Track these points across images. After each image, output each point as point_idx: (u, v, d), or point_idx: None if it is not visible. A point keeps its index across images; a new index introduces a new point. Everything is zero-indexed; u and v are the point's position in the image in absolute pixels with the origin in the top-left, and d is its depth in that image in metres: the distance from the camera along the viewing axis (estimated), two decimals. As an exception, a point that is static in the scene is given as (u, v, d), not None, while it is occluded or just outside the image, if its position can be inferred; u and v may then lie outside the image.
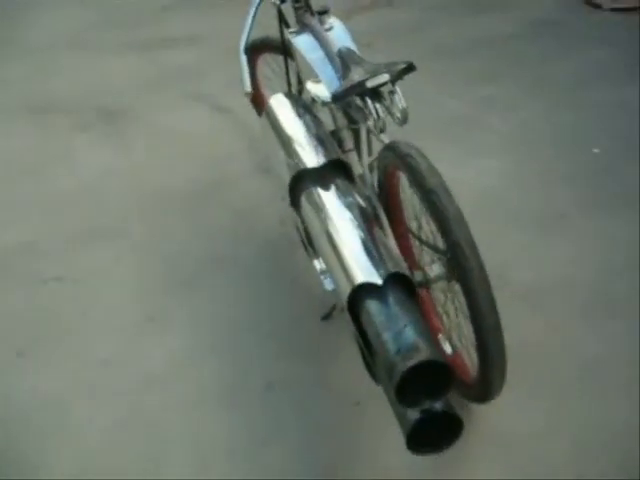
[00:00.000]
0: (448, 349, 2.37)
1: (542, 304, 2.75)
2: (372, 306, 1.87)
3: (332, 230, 2.11)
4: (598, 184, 3.43)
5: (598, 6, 5.85)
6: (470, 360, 2.19)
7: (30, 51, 6.10)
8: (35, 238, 3.42)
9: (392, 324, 1.79)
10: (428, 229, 2.20)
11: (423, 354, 1.69)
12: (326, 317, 2.72)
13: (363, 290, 1.90)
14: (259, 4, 2.76)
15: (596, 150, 3.72)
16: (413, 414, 1.75)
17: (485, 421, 2.28)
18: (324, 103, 2.61)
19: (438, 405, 1.75)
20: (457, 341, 2.33)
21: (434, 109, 4.29)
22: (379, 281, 1.87)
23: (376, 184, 2.42)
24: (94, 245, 3.33)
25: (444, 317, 2.39)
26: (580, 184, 3.45)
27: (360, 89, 2.16)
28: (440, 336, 2.40)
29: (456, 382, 2.18)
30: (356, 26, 5.35)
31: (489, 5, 6.20)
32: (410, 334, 1.75)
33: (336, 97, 2.26)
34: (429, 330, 1.83)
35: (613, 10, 5.76)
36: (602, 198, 3.33)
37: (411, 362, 1.66)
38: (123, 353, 2.71)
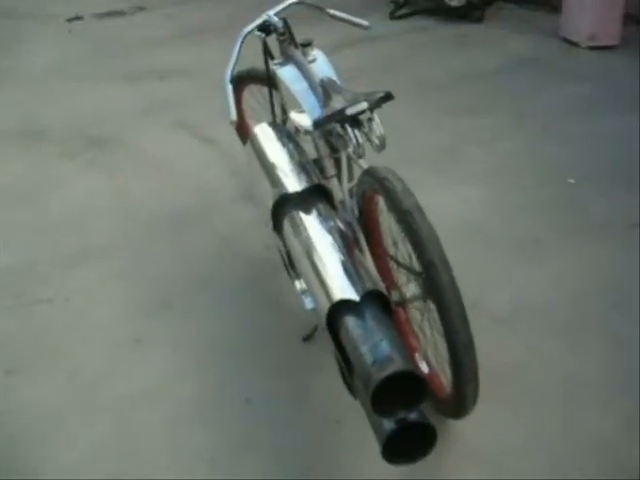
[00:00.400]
0: (425, 368, 2.44)
1: (520, 326, 2.84)
2: (350, 322, 1.95)
3: (312, 251, 2.21)
4: (572, 212, 3.55)
5: (576, 44, 6.04)
6: (445, 377, 2.26)
7: (22, 80, 6.23)
8: (25, 261, 3.50)
9: (368, 338, 1.87)
10: (405, 251, 2.29)
11: (397, 365, 1.77)
12: (307, 338, 2.79)
13: (341, 307, 1.99)
14: (245, 37, 2.86)
15: (571, 180, 3.84)
16: (388, 424, 1.83)
17: (462, 438, 2.35)
18: (307, 132, 2.71)
19: (413, 415, 1.83)
20: (433, 360, 2.41)
21: (419, 140, 4.44)
22: (356, 298, 1.96)
23: (356, 209, 2.51)
24: (83, 267, 3.41)
25: (421, 336, 2.47)
26: (556, 212, 3.56)
27: (340, 116, 2.27)
28: (417, 355, 2.48)
29: (432, 399, 2.29)
30: (344, 60, 5.52)
31: (472, 42, 6.41)
32: (385, 347, 1.84)
33: (317, 124, 2.36)
34: (404, 344, 1.92)
35: (590, 48, 5.94)
36: (576, 225, 3.44)
37: (386, 372, 1.75)
38: (110, 371, 2.78)
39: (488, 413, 2.37)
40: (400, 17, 7.32)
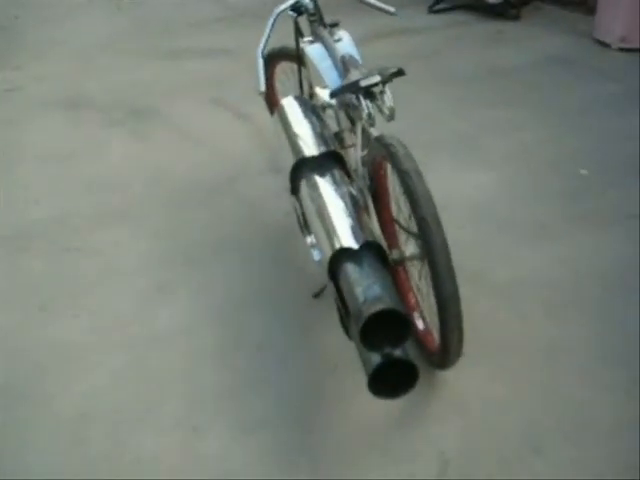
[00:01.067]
0: (420, 324, 2.66)
1: (516, 298, 3.02)
2: (348, 267, 2.19)
3: (322, 209, 2.44)
4: (580, 201, 3.71)
5: (607, 45, 6.17)
6: (437, 333, 2.46)
7: (70, 53, 6.55)
8: (61, 214, 3.80)
9: (363, 281, 2.10)
10: (407, 214, 2.49)
11: (385, 303, 2.00)
12: (317, 295, 3.01)
13: (342, 255, 2.21)
14: (278, 15, 3.08)
15: (583, 171, 4.00)
16: (375, 358, 2.05)
17: (449, 390, 2.56)
18: (329, 105, 2.94)
19: (398, 352, 2.05)
20: (428, 317, 2.62)
21: (442, 128, 4.63)
22: (355, 246, 2.18)
23: (367, 176, 2.72)
24: (114, 224, 3.69)
25: (418, 295, 2.68)
26: (565, 200, 3.72)
27: (354, 88, 2.49)
28: (415, 313, 2.69)
29: (425, 352, 2.50)
30: (378, 49, 5.78)
31: (506, 39, 6.54)
32: (377, 289, 2.06)
33: (334, 93, 2.59)
34: (394, 288, 2.14)
35: (621, 49, 6.06)
36: (582, 213, 3.60)
37: (374, 309, 1.97)
38: (133, 313, 3.04)
39: (475, 370, 2.60)
40: (438, 11, 7.48)
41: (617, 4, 6.04)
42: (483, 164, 4.14)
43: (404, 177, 2.26)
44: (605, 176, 3.94)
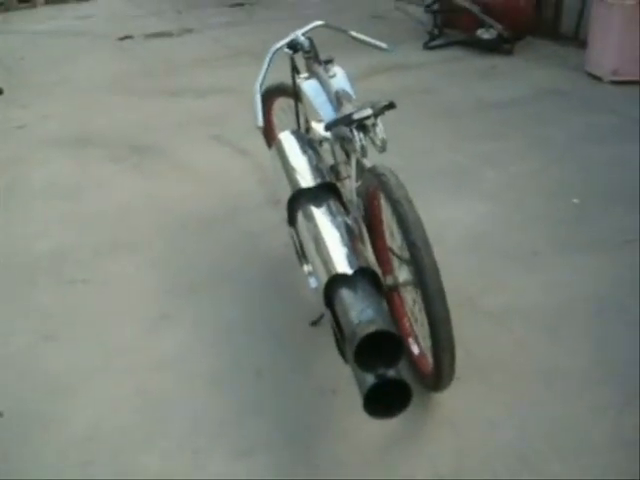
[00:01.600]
0: (415, 349, 2.74)
1: (510, 322, 3.10)
2: (343, 292, 2.28)
3: (318, 238, 2.54)
4: (572, 229, 3.81)
5: (599, 78, 6.33)
6: (430, 356, 2.54)
7: (75, 92, 6.72)
8: (66, 247, 3.91)
9: (357, 304, 2.20)
10: (400, 242, 2.58)
11: (378, 325, 2.09)
12: (315, 323, 3.09)
13: (337, 281, 2.30)
14: (275, 53, 3.21)
15: (575, 200, 4.10)
16: (369, 379, 2.13)
17: (443, 410, 2.63)
18: (324, 138, 3.05)
19: (391, 372, 2.13)
20: (422, 342, 2.70)
21: (437, 161, 4.77)
22: (349, 272, 2.27)
23: (361, 206, 2.82)
24: (118, 256, 3.80)
25: (413, 321, 2.77)
26: (557, 228, 3.82)
27: (347, 120, 2.60)
28: (409, 339, 2.77)
29: (419, 376, 2.58)
30: (375, 85, 5.94)
31: (499, 73, 6.73)
32: (370, 312, 2.15)
33: (328, 126, 2.70)
34: (387, 312, 2.24)
35: (612, 82, 6.21)
36: (575, 240, 3.70)
37: (368, 330, 2.06)
38: (137, 341, 3.12)
39: (469, 392, 2.67)
40: (433, 48, 7.67)
41: (607, 38, 6.22)
42: (477, 194, 4.25)
43: (395, 205, 2.37)
44: (597, 204, 4.05)
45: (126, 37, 8.90)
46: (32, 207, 4.43)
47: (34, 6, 11.82)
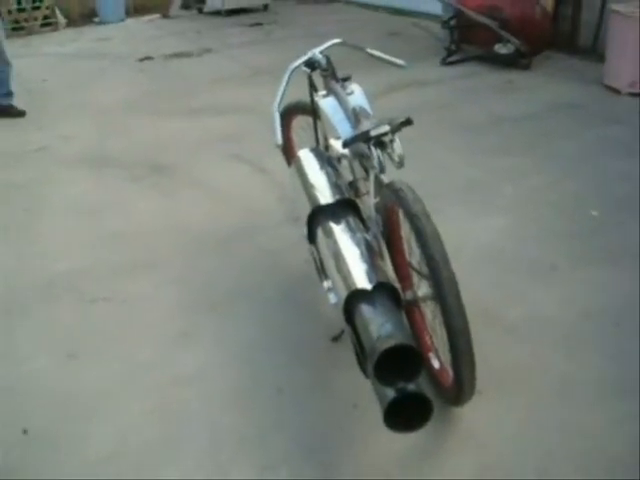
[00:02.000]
0: (436, 364, 2.74)
1: (528, 337, 3.10)
2: (362, 307, 2.30)
3: (338, 254, 2.56)
4: (590, 242, 3.80)
5: (617, 91, 6.32)
6: (451, 370, 2.55)
7: (95, 113, 6.80)
8: (87, 267, 3.94)
9: (376, 319, 2.22)
10: (420, 258, 2.59)
11: (397, 339, 2.10)
12: (335, 339, 3.10)
13: (357, 296, 2.32)
14: (293, 71, 3.24)
15: (594, 213, 4.10)
16: (390, 393, 2.14)
17: (463, 424, 2.63)
18: (343, 155, 3.08)
19: (411, 386, 2.14)
20: (443, 357, 2.71)
21: (453, 176, 4.77)
22: (369, 287, 2.29)
23: (380, 222, 2.84)
24: (138, 274, 3.82)
25: (433, 336, 2.77)
26: (574, 242, 3.82)
27: (365, 137, 2.63)
28: (430, 353, 2.78)
29: (440, 390, 2.59)
30: (393, 102, 5.97)
31: (516, 88, 6.74)
32: (389, 326, 2.17)
33: (346, 143, 2.73)
34: (406, 326, 2.25)
35: (631, 94, 6.21)
36: (591, 254, 3.69)
37: (387, 344, 2.08)
38: (159, 358, 3.15)
39: (489, 405, 2.68)
40: (451, 63, 7.69)
41: (625, 51, 6.22)
42: (495, 209, 4.26)
43: (413, 219, 2.38)
44: (614, 216, 4.05)
45: (146, 58, 8.99)
46: (52, 227, 4.47)
47: (56, 29, 11.97)
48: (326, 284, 2.73)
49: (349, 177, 3.16)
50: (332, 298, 2.62)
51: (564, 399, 2.73)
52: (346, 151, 2.99)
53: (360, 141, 2.69)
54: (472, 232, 3.95)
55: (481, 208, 4.28)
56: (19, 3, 11.58)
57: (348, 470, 2.49)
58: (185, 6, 13.23)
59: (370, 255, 2.53)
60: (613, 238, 3.82)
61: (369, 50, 3.34)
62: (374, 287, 2.31)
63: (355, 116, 2.89)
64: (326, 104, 3.19)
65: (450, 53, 7.81)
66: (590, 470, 2.40)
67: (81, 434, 2.74)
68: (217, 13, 12.21)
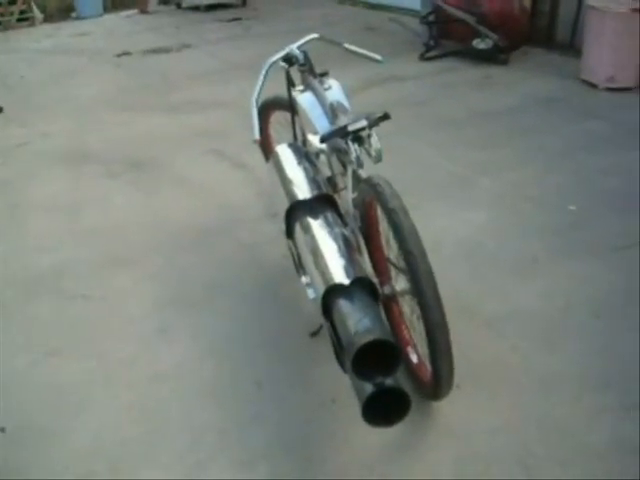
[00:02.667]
0: (414, 358, 2.75)
1: (508, 329, 3.11)
2: (340, 302, 2.30)
3: (316, 250, 2.56)
4: (570, 236, 3.82)
5: (594, 85, 6.35)
6: (429, 364, 2.55)
7: (73, 109, 6.75)
8: (66, 263, 3.92)
9: (354, 314, 2.22)
10: (397, 253, 2.60)
11: (375, 334, 2.11)
12: (314, 334, 3.10)
13: (335, 292, 2.32)
14: (270, 66, 3.23)
15: (572, 207, 4.12)
16: (368, 387, 2.14)
17: (442, 418, 2.64)
18: (321, 150, 3.07)
19: (389, 381, 2.14)
20: (420, 351, 2.71)
21: (432, 170, 4.78)
22: (346, 282, 2.29)
23: (358, 217, 2.84)
24: (117, 271, 3.81)
25: (411, 330, 2.78)
26: (554, 236, 3.84)
27: (342, 132, 2.63)
28: (408, 348, 2.78)
29: (418, 384, 2.59)
30: (372, 97, 5.97)
31: (495, 83, 6.76)
32: (367, 321, 2.17)
33: (323, 138, 2.72)
34: (384, 321, 2.26)
35: (608, 89, 6.24)
36: (570, 247, 3.72)
37: (365, 339, 2.08)
38: (137, 354, 3.14)
39: (468, 400, 2.69)
40: (429, 59, 7.70)
41: (602, 46, 6.26)
42: (473, 203, 4.27)
43: (390, 214, 2.39)
44: (592, 211, 4.07)
45: (124, 53, 8.94)
46: (32, 223, 4.45)
47: (32, 24, 11.89)
48: (304, 279, 2.73)
49: (327, 172, 3.16)
50: (310, 293, 2.63)
51: (544, 393, 2.75)
52: (324, 146, 2.99)
53: (338, 136, 2.69)
54: (451, 227, 3.96)
55: (460, 203, 4.30)
56: (-6, -2, 11.48)
57: (328, 465, 2.50)
58: (163, 1, 13.18)
59: (348, 250, 2.53)
60: (593, 232, 3.84)
61: (346, 45, 3.33)
62: (352, 282, 2.31)
63: (333, 111, 2.89)
64: (304, 99, 3.18)
65: (428, 48, 7.83)
66: (569, 464, 2.42)
67: (60, 431, 2.72)
68: (196, 8, 12.16)
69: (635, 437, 2.48)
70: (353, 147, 2.63)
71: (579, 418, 2.62)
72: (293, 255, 2.91)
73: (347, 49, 3.34)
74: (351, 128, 2.61)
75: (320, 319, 2.48)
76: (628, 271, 3.44)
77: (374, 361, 2.14)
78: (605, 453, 2.45)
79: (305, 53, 3.28)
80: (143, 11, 12.65)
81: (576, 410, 2.66)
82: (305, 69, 3.28)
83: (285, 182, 2.95)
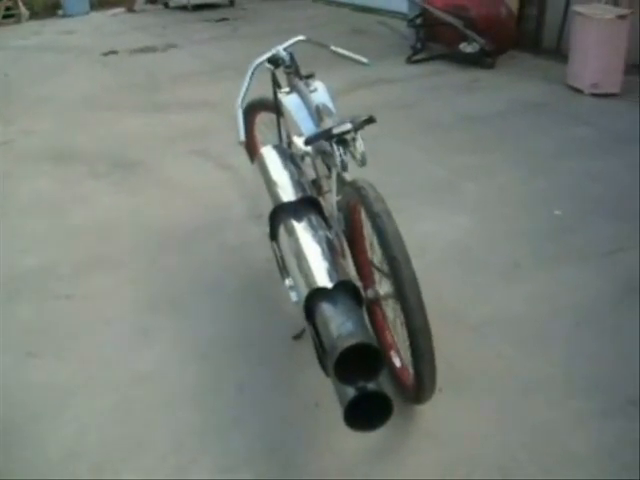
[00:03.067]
0: (397, 362, 2.74)
1: (492, 335, 3.11)
2: (323, 306, 2.29)
3: (299, 252, 2.54)
4: (554, 241, 3.83)
5: (580, 91, 6.38)
6: (412, 368, 2.55)
7: (58, 108, 6.71)
8: (49, 263, 3.90)
9: (337, 318, 2.20)
10: (381, 257, 2.59)
11: (357, 338, 2.09)
12: (297, 337, 3.09)
13: (318, 295, 2.31)
14: (256, 68, 3.22)
15: (557, 212, 4.13)
16: (350, 392, 2.13)
17: (425, 423, 2.63)
18: (305, 153, 3.06)
19: (371, 385, 2.13)
20: (404, 355, 2.71)
21: (419, 174, 4.78)
22: (329, 285, 2.28)
23: (342, 220, 2.83)
24: (100, 271, 3.79)
25: (394, 334, 2.77)
26: (539, 240, 3.84)
27: (327, 135, 2.62)
28: (391, 352, 2.78)
29: (401, 389, 2.59)
30: (359, 99, 5.98)
31: (481, 87, 6.77)
32: (350, 325, 2.16)
33: (308, 140, 2.71)
34: (366, 325, 2.24)
35: (593, 95, 6.27)
36: (555, 252, 3.72)
37: (347, 343, 2.07)
38: (119, 356, 3.12)
39: (450, 404, 2.69)
40: (416, 62, 7.72)
41: (587, 52, 6.28)
42: (459, 207, 4.27)
43: (374, 218, 2.38)
44: (577, 216, 4.08)
45: (110, 52, 8.92)
46: (15, 223, 4.42)
47: (18, 21, 11.83)
48: (287, 282, 2.72)
49: (312, 175, 3.15)
50: (293, 296, 2.61)
51: (528, 397, 2.75)
52: (309, 149, 2.98)
53: (322, 139, 2.68)
54: (437, 231, 3.96)
55: (445, 206, 4.30)
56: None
57: (310, 469, 2.49)
58: (151, 0, 13.13)
59: (331, 253, 2.52)
60: (577, 237, 3.85)
61: (333, 48, 3.33)
62: (335, 285, 2.30)
63: (318, 114, 2.88)
64: (289, 101, 3.17)
65: (416, 51, 7.85)
66: (552, 469, 2.41)
67: (40, 433, 2.70)
68: (183, 8, 12.14)
69: (618, 443, 2.48)
70: (338, 150, 2.62)
71: (563, 423, 2.61)
72: (277, 257, 2.90)
73: (334, 51, 3.33)
74: (336, 131, 2.60)
75: (303, 322, 2.47)
76: (613, 276, 3.44)
77: (357, 365, 2.13)
78: (588, 458, 2.45)
79: (291, 55, 3.28)
80: (130, 10, 12.62)
81: (560, 415, 2.65)
82: (291, 71, 3.28)
83: (270, 184, 2.93)
